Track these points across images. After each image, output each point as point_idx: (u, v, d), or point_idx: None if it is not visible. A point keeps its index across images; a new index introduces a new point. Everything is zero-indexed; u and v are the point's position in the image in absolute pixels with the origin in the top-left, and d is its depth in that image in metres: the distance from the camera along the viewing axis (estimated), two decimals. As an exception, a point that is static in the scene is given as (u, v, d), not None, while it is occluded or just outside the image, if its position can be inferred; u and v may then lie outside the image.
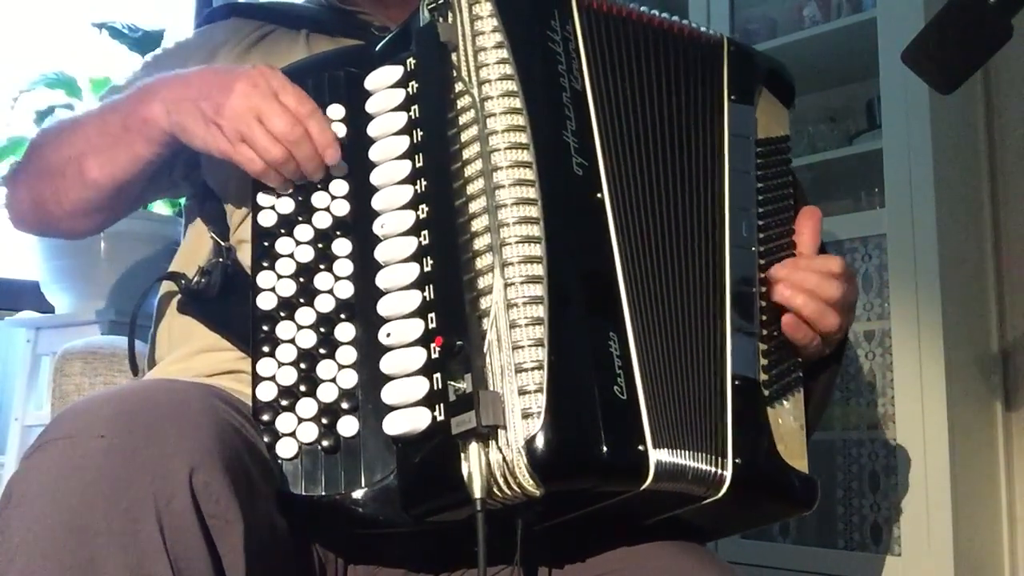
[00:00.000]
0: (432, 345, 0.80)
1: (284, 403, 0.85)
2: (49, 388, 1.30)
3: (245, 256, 0.94)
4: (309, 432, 0.84)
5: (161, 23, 2.37)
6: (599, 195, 0.86)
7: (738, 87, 1.00)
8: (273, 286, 0.89)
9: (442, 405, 0.78)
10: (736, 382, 0.87)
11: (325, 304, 0.89)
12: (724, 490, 0.83)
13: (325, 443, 0.84)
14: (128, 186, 1.02)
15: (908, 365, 1.83)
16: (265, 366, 0.86)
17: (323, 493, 0.83)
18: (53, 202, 1.06)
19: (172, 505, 0.69)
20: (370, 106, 0.92)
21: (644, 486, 0.78)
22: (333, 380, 0.86)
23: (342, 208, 0.92)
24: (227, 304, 0.96)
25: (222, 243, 0.99)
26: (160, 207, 2.24)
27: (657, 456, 0.79)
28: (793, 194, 1.02)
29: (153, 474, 0.70)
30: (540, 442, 0.74)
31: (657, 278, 0.87)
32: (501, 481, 0.76)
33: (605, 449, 0.76)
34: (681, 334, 0.87)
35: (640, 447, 0.78)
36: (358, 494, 0.82)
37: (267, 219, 0.91)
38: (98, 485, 0.68)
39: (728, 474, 0.83)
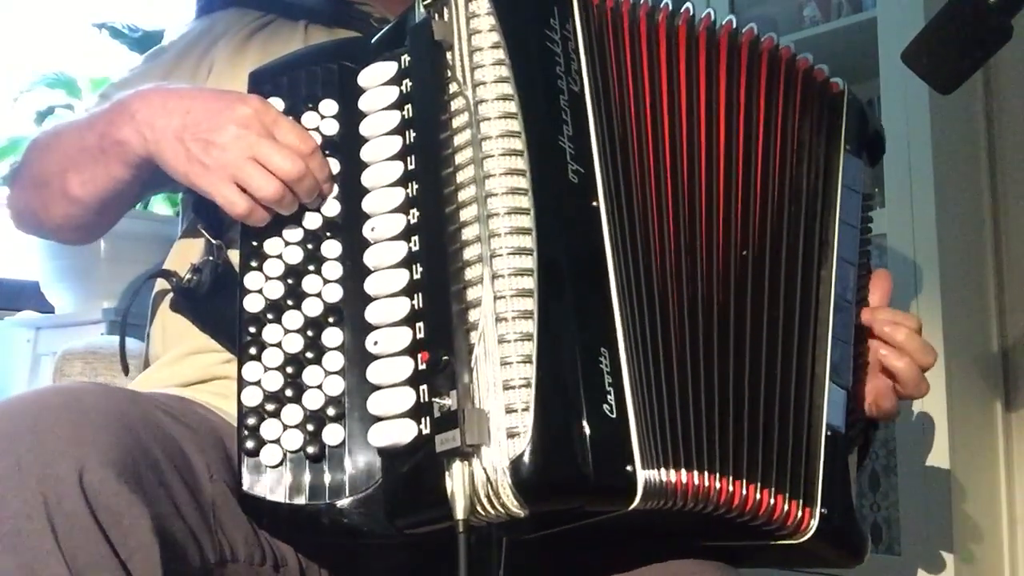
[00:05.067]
0: (419, 356, 0.79)
1: (269, 408, 0.84)
2: (49, 388, 1.30)
3: (237, 254, 0.93)
4: (294, 439, 0.83)
5: (161, 23, 2.37)
6: (595, 203, 0.83)
7: (854, 138, 0.99)
8: (261, 288, 0.87)
9: (427, 418, 0.77)
10: (828, 432, 0.88)
11: (313, 308, 0.87)
12: (807, 537, 0.84)
13: (310, 450, 0.82)
14: (113, 202, 1.00)
15: (908, 365, 1.82)
16: (251, 370, 0.85)
17: (306, 502, 0.82)
18: (43, 213, 1.05)
19: (63, 506, 0.68)
20: (363, 103, 0.90)
21: (632, 506, 0.77)
22: (319, 387, 0.85)
23: (333, 208, 0.90)
24: (217, 304, 0.94)
25: (213, 241, 0.97)
26: (160, 207, 2.24)
27: (646, 475, 0.77)
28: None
29: (40, 476, 0.69)
30: (525, 463, 0.73)
31: (663, 292, 0.85)
32: (485, 501, 0.75)
33: (591, 470, 0.74)
34: (750, 370, 0.87)
35: (628, 467, 0.77)
36: (342, 504, 0.81)
37: None
38: None
39: (815, 522, 0.85)
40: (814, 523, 0.85)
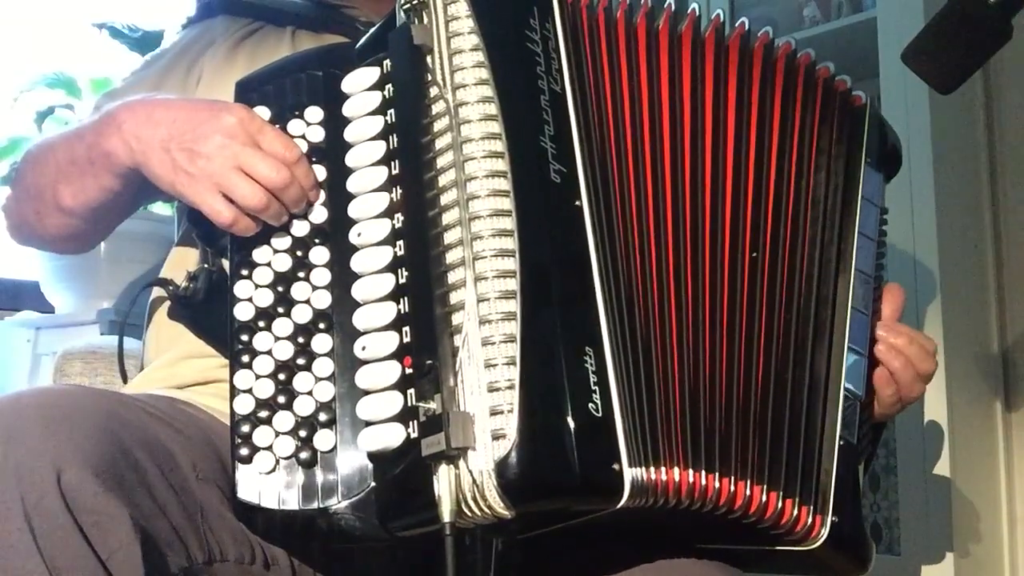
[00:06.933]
0: (405, 361, 0.79)
1: (262, 415, 0.84)
2: (49, 388, 1.30)
3: None
4: (286, 446, 0.83)
5: (161, 23, 2.37)
6: (577, 203, 0.83)
7: (875, 152, 1.01)
8: (251, 296, 0.88)
9: (415, 422, 0.77)
10: (841, 442, 0.89)
11: (302, 315, 0.87)
12: (818, 544, 0.85)
13: (302, 456, 0.83)
14: (105, 212, 1.01)
15: (908, 365, 1.82)
16: (242, 378, 0.85)
17: (300, 507, 0.82)
18: (38, 225, 1.06)
19: (41, 505, 0.69)
20: (347, 109, 0.90)
21: (620, 504, 0.77)
22: (310, 393, 0.85)
23: (320, 215, 0.90)
24: (212, 310, 0.95)
25: (208, 249, 0.98)
26: (160, 207, 2.24)
27: (633, 473, 0.77)
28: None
29: (18, 476, 0.69)
30: (510, 464, 0.73)
31: (655, 291, 0.85)
32: (472, 503, 0.75)
33: (576, 470, 0.74)
34: (762, 374, 0.87)
35: (615, 466, 0.76)
36: (335, 508, 0.82)
37: None
38: None
39: (826, 531, 0.85)
40: (824, 531, 0.85)
